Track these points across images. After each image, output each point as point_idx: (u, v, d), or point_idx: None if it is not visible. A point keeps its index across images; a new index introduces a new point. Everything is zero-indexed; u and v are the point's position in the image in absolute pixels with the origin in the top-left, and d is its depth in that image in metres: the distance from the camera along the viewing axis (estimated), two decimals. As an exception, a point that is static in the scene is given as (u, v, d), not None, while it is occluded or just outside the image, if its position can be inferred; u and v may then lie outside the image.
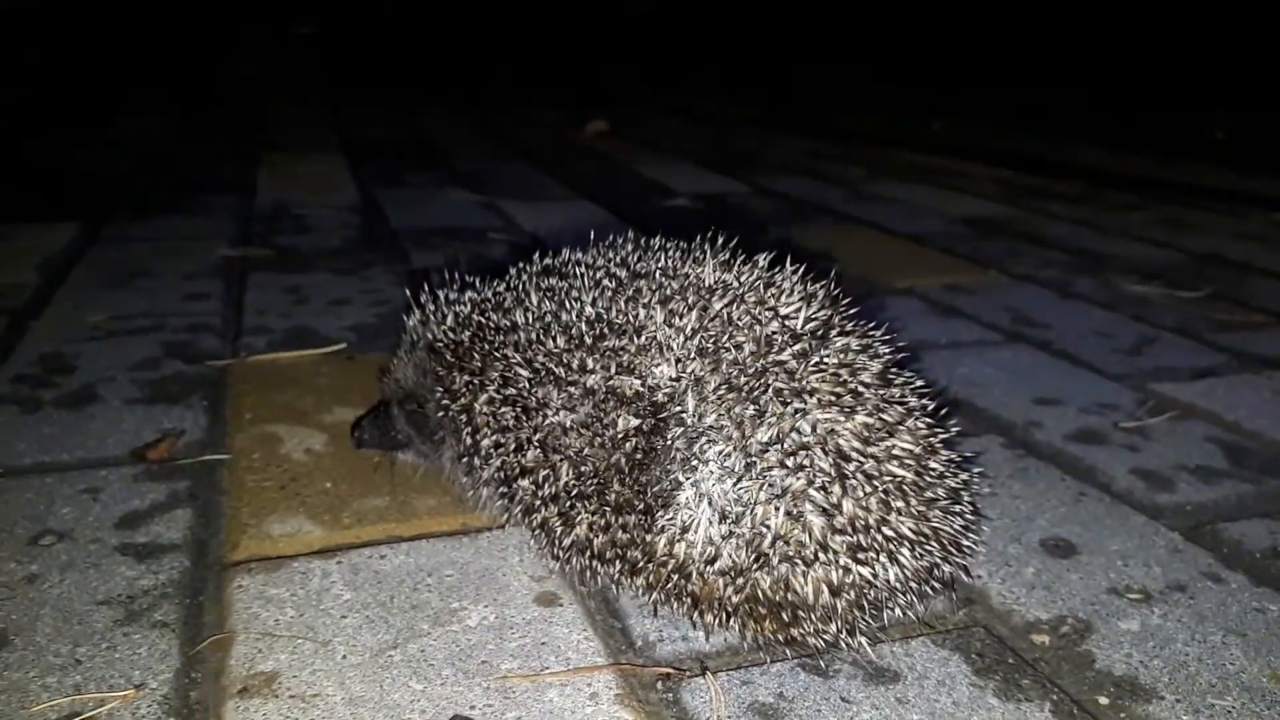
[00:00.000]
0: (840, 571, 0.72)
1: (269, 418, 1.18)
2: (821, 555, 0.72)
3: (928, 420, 0.81)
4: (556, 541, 0.80)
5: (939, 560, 0.78)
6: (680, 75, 7.27)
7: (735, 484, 0.72)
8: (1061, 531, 1.00)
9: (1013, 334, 1.66)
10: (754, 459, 0.72)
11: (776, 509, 0.72)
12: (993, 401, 1.34)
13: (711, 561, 0.73)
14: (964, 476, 0.82)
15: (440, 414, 0.90)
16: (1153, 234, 2.57)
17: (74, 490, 0.98)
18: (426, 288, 0.97)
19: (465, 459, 0.87)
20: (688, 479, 0.73)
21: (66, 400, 1.21)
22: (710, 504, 0.72)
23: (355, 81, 6.73)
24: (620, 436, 0.75)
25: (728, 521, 0.72)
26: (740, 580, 0.73)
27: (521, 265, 0.94)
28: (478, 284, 0.94)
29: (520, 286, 0.89)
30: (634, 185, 3.05)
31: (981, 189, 3.18)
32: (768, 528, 0.72)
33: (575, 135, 4.19)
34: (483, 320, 0.87)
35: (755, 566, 0.72)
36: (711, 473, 0.73)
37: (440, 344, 0.90)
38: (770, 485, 0.72)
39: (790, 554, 0.72)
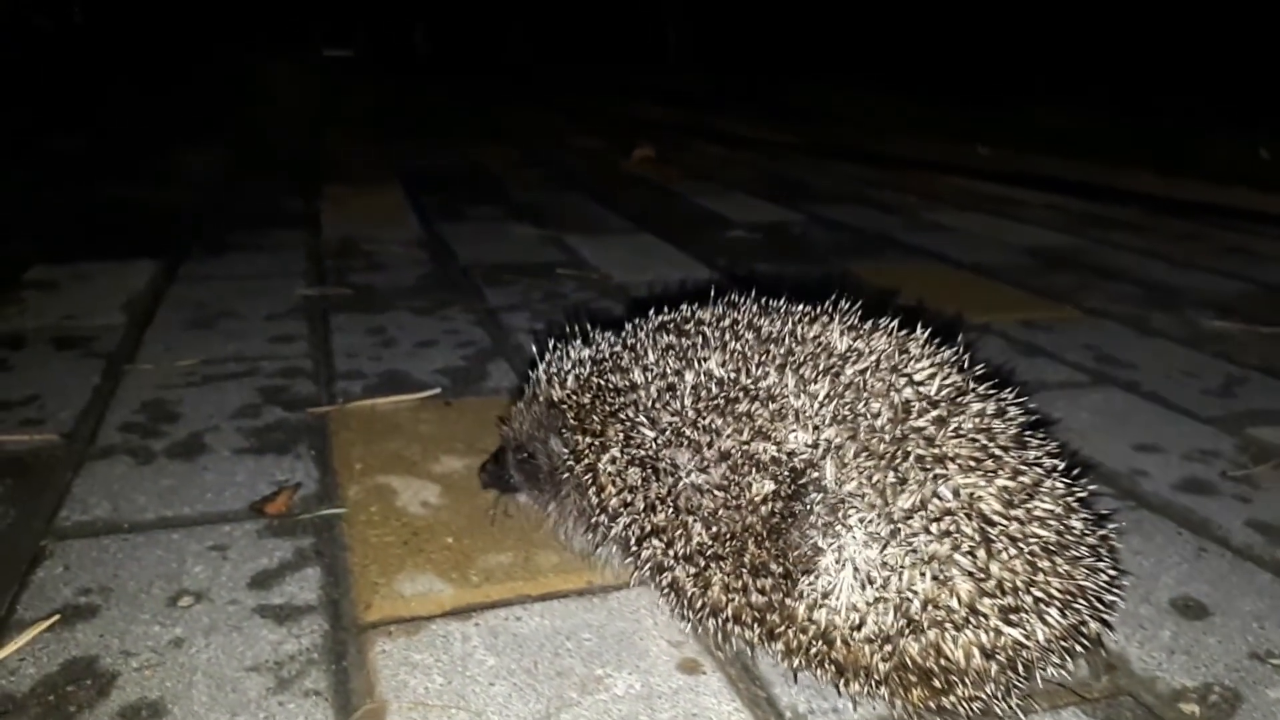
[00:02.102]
0: (991, 634, 0.72)
1: (379, 468, 1.18)
2: (971, 619, 0.72)
3: (1065, 480, 0.81)
4: (688, 603, 0.80)
5: (1087, 618, 0.77)
6: (714, 102, 7.30)
7: (880, 550, 0.72)
8: (1189, 590, 0.99)
9: (1098, 374, 1.64)
10: (898, 525, 0.72)
11: (923, 574, 0.72)
12: (1094, 449, 1.33)
13: (858, 628, 0.73)
14: (1102, 533, 0.82)
15: (565, 473, 0.91)
16: (1221, 264, 2.54)
17: (202, 547, 0.99)
18: (551, 341, 0.99)
19: (590, 516, 0.87)
20: (829, 544, 0.73)
21: (177, 450, 1.22)
22: (854, 570, 0.72)
23: (395, 108, 6.81)
24: (758, 500, 0.76)
25: (873, 587, 0.72)
26: (888, 647, 0.73)
27: (637, 321, 0.94)
28: (597, 337, 0.96)
29: (637, 345, 0.89)
30: (690, 216, 3.05)
31: (1039, 217, 3.17)
32: (915, 593, 0.72)
33: (623, 163, 4.21)
34: (602, 382, 0.88)
35: (904, 632, 0.72)
36: (855, 538, 0.73)
37: (562, 405, 0.91)
38: (915, 551, 0.72)
39: (940, 618, 0.72)
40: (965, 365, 0.86)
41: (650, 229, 2.77)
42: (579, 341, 0.97)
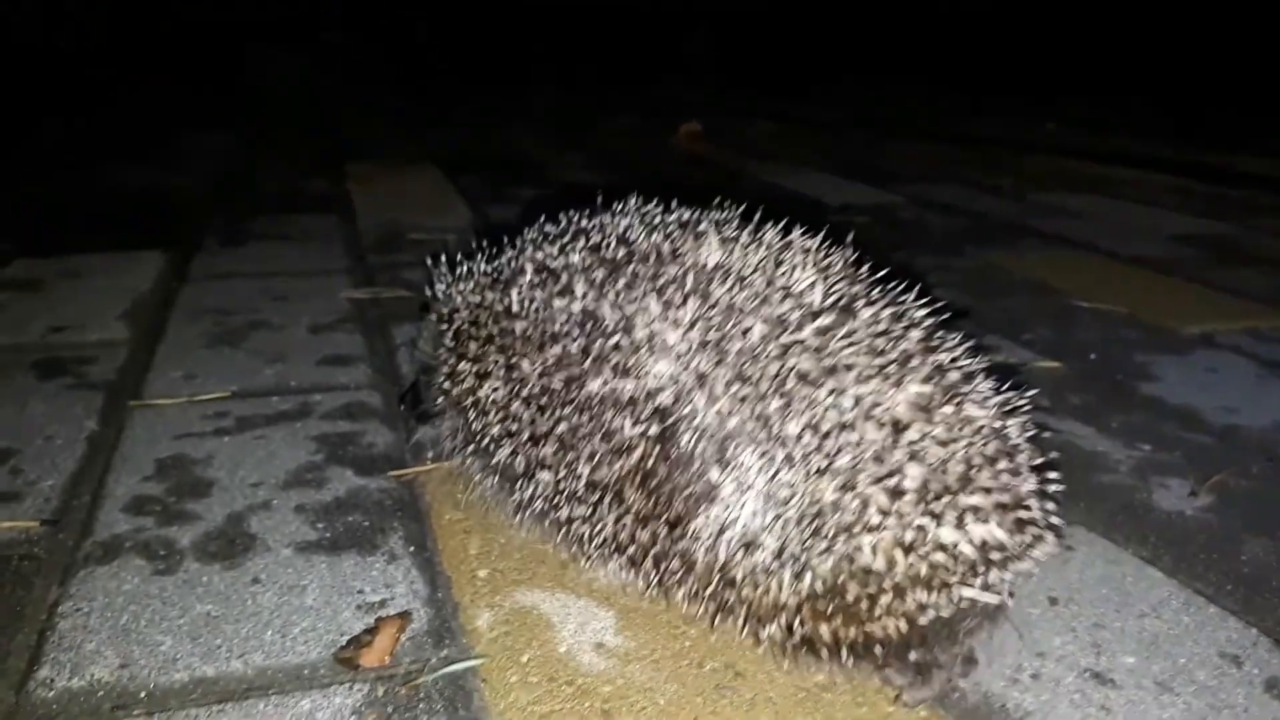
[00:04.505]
0: (914, 531, 0.60)
1: (513, 576, 0.80)
2: (888, 519, 0.60)
3: (993, 383, 0.69)
4: (584, 542, 0.73)
5: (1039, 532, 0.63)
6: (748, 82, 6.91)
7: (773, 475, 0.63)
8: None
9: (1397, 406, 1.26)
10: (792, 450, 0.62)
11: (825, 486, 0.61)
12: None
13: (750, 550, 0.63)
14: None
15: (444, 396, 0.84)
16: None
17: (268, 746, 0.61)
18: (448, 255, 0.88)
19: (473, 444, 0.80)
20: (723, 477, 0.64)
21: (212, 546, 0.83)
22: (752, 496, 0.63)
23: (401, 91, 6.41)
24: (625, 444, 0.68)
25: (772, 505, 0.62)
26: (794, 570, 0.61)
27: (528, 233, 0.85)
28: (490, 255, 0.86)
29: (518, 264, 0.80)
30: (772, 198, 2.65)
31: (1168, 200, 2.77)
32: (818, 504, 0.61)
33: (669, 140, 3.81)
34: (480, 301, 0.82)
35: (809, 547, 0.61)
36: (749, 466, 0.63)
37: (445, 320, 0.85)
38: (813, 466, 0.62)
39: (848, 522, 0.60)
40: (857, 270, 0.74)
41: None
42: (476, 256, 0.87)
